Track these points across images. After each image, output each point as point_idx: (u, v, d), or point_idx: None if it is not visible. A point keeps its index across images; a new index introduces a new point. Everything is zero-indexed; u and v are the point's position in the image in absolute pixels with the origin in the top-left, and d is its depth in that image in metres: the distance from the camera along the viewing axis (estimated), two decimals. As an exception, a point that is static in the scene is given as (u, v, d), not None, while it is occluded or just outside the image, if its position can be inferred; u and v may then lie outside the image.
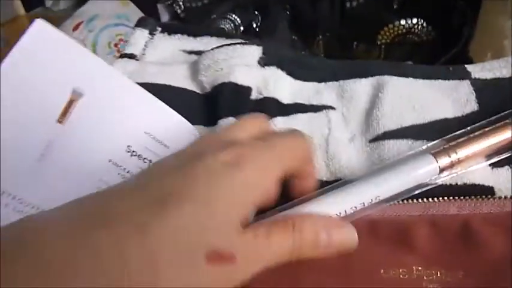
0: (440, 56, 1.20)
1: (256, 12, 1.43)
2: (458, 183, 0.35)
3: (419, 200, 0.34)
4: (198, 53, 0.50)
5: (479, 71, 0.41)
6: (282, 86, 0.43)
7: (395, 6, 1.22)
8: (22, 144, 0.27)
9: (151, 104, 0.38)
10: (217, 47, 0.45)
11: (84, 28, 1.35)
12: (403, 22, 1.17)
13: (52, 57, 0.30)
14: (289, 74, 0.44)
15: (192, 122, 0.41)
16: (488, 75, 0.41)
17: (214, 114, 0.41)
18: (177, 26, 0.52)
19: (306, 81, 0.44)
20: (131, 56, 0.49)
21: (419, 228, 0.34)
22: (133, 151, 0.34)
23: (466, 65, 0.42)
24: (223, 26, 1.38)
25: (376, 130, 0.38)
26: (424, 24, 1.17)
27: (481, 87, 0.39)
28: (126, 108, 0.37)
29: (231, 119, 0.40)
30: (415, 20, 1.16)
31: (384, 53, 1.26)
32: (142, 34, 0.53)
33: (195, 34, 0.52)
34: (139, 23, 0.53)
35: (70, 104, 0.31)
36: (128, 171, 0.34)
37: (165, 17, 1.54)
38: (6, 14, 1.95)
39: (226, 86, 0.42)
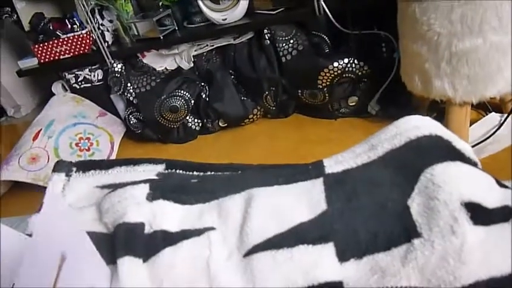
0: (379, 87, 1.24)
1: (202, 84, 1.49)
2: (314, 285, 0.38)
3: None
4: (110, 186, 0.54)
5: (333, 164, 0.45)
6: (169, 216, 0.46)
7: (326, 51, 1.28)
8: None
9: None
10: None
11: (43, 135, 1.37)
12: (336, 64, 1.23)
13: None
14: (176, 201, 0.47)
15: (106, 262, 0.44)
16: (339, 168, 0.44)
17: (114, 254, 0.44)
18: (90, 163, 0.56)
19: (192, 204, 0.47)
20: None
21: None
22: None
23: (324, 159, 0.46)
24: (175, 104, 1.44)
25: (248, 245, 0.41)
26: (356, 62, 1.22)
27: (330, 184, 0.43)
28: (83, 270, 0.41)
29: (126, 259, 0.43)
30: (346, 60, 1.21)
31: (328, 94, 1.31)
32: (60, 178, 0.56)
33: (107, 167, 0.56)
34: (55, 168, 0.57)
35: (60, 268, 0.35)
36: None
37: (120, 106, 1.60)
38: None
39: (121, 226, 0.45)
